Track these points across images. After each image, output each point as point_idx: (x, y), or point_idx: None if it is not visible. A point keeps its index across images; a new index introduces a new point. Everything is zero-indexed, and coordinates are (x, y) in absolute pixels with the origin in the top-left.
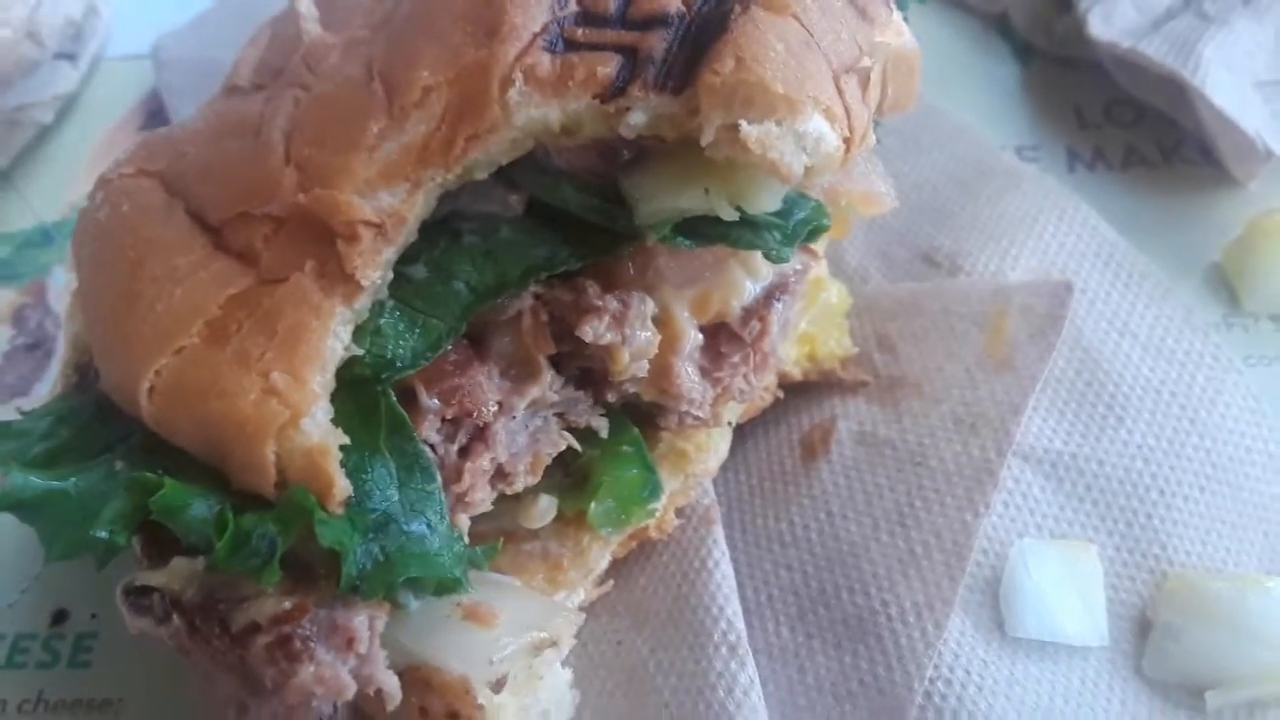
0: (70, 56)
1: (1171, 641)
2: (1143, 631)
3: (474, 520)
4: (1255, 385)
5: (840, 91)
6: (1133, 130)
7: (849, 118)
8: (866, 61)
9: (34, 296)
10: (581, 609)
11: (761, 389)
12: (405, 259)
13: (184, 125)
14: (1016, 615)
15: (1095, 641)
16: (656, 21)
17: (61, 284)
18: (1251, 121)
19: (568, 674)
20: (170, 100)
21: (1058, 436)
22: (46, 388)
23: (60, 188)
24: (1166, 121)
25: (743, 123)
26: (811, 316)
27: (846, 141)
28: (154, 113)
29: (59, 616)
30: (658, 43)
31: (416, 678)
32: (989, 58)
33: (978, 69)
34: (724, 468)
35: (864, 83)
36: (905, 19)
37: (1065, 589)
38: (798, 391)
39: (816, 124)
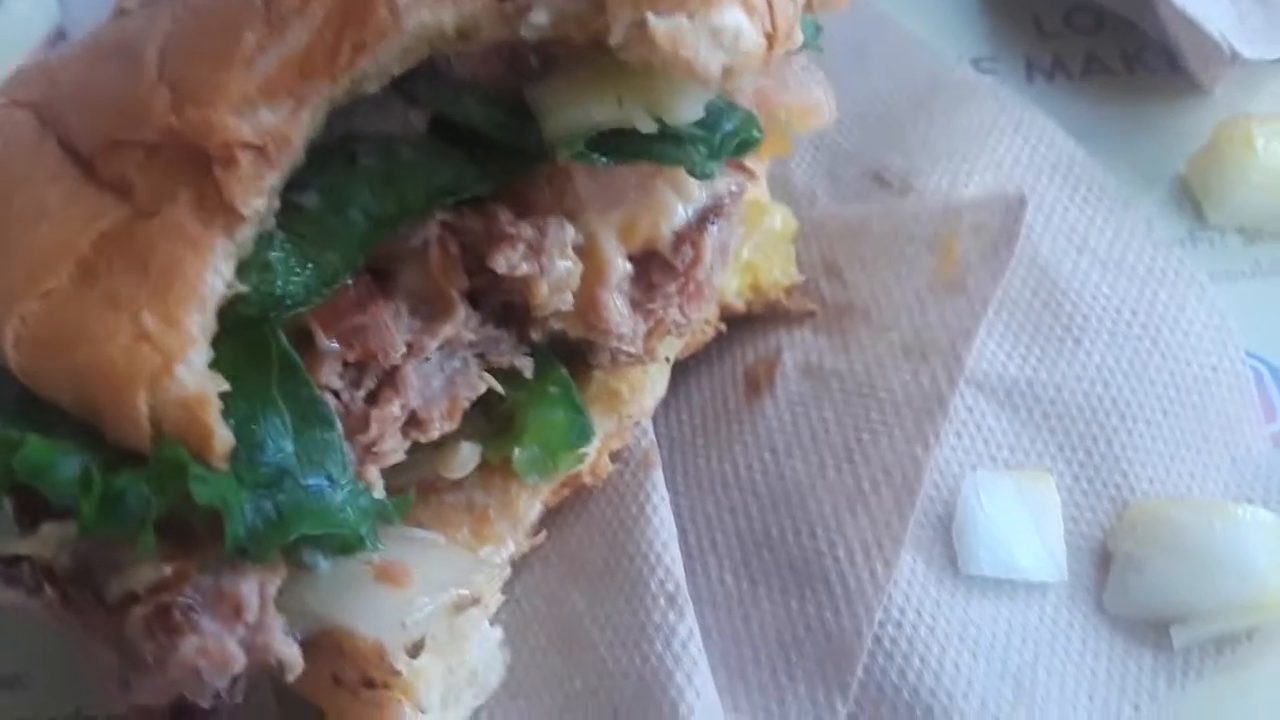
0: None
1: (1134, 574)
2: (1104, 565)
3: (389, 473)
4: (1222, 302)
5: None
6: (1093, 38)
7: (771, 11)
8: None
9: None
10: (511, 562)
11: (700, 321)
12: (294, 186)
13: (62, 52)
14: (970, 551)
15: (1053, 576)
16: None
17: None
18: (1216, 23)
19: (497, 632)
20: (75, 35)
21: (1013, 361)
22: None
23: None
24: (1129, 27)
25: (650, 17)
26: (754, 243)
27: (768, 37)
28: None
29: None
30: None
31: (329, 643)
32: None
33: None
34: (664, 407)
35: None
36: None
37: (1021, 522)
38: (741, 324)
39: (733, 16)
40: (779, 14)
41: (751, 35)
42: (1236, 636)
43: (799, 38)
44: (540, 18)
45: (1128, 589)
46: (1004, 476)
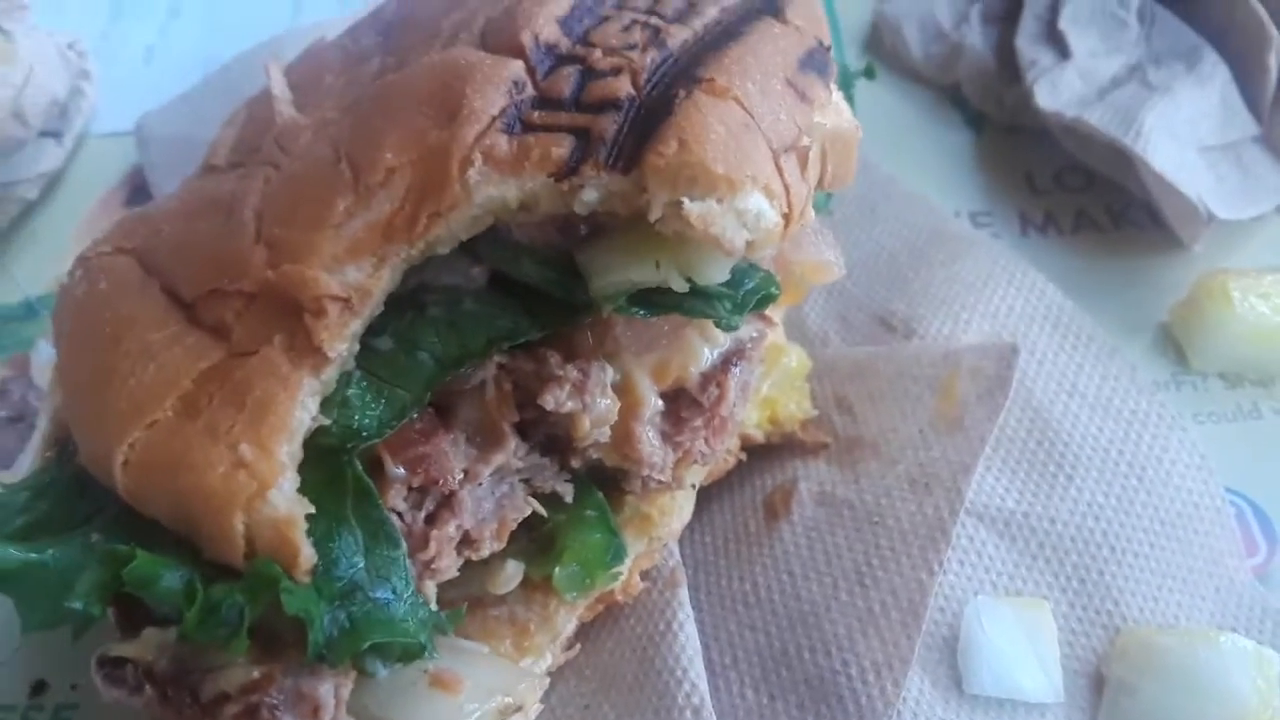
0: (55, 134)
1: (1126, 698)
2: (1097, 688)
3: (442, 587)
4: (1206, 442)
5: (779, 170)
6: (1082, 195)
7: (788, 194)
8: (805, 141)
9: (17, 369)
10: (549, 673)
11: (723, 452)
12: (372, 331)
13: (160, 204)
14: (973, 673)
15: (1051, 698)
16: (608, 105)
17: (45, 358)
18: (1194, 186)
19: None
20: (153, 177)
21: (1010, 495)
22: (28, 461)
23: (45, 263)
24: (1114, 187)
25: (685, 200)
26: (772, 380)
27: (785, 217)
28: (138, 188)
29: (38, 688)
30: (609, 125)
31: None
32: (943, 126)
33: (932, 137)
34: (690, 529)
35: (803, 161)
36: (848, 98)
37: (1020, 646)
38: (760, 453)
39: (756, 201)
40: (795, 197)
41: (771, 216)
42: None
43: (811, 215)
44: (591, 196)
45: (1120, 710)
46: (1004, 603)
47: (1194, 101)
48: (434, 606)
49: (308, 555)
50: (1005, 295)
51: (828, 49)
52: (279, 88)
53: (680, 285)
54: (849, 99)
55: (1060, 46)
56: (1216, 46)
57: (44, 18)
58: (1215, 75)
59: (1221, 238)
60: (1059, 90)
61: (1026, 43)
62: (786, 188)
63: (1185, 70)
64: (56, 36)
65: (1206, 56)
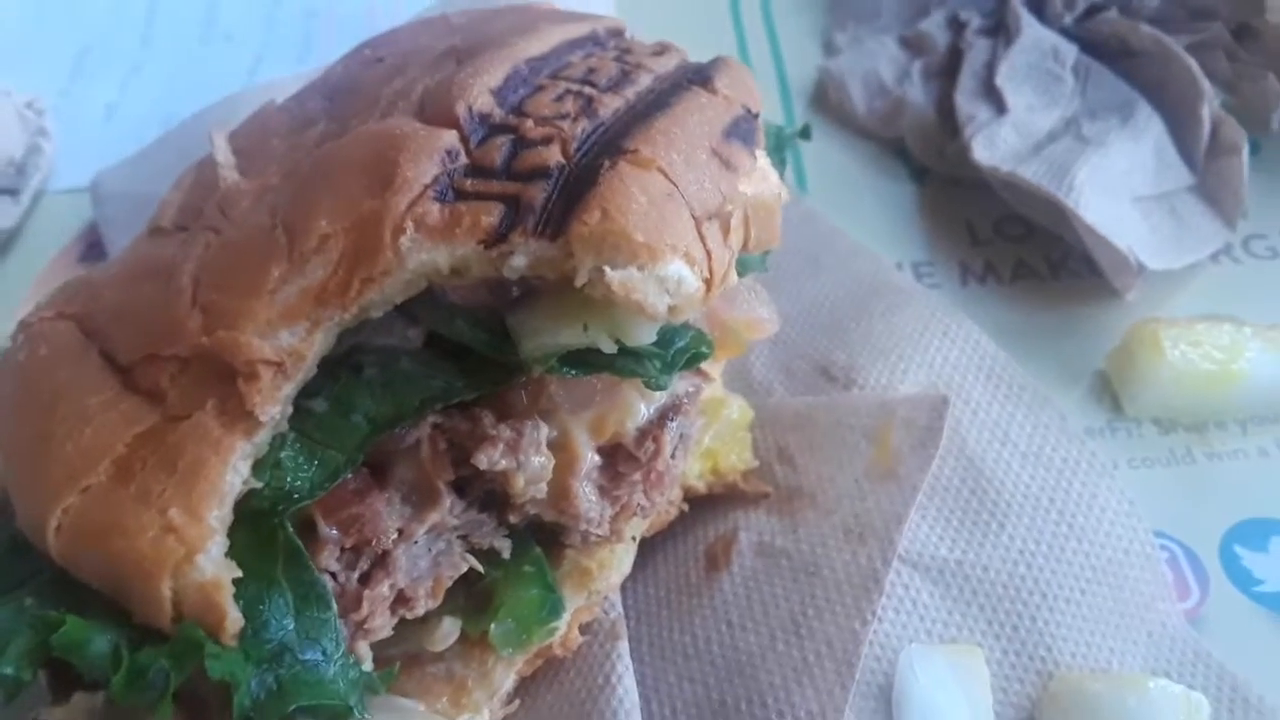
0: (12, 192)
1: None
2: None
3: (378, 645)
4: (1140, 486)
5: (701, 237)
6: (1022, 245)
7: (709, 260)
8: (728, 208)
9: None
10: None
11: (662, 505)
12: (306, 393)
13: (104, 268)
14: None
15: None
16: (538, 173)
17: None
18: (1125, 237)
19: None
20: (108, 233)
21: (943, 543)
22: None
23: (2, 319)
24: (1053, 236)
25: (607, 268)
26: (714, 431)
27: (707, 282)
28: (93, 244)
29: None
30: (538, 193)
31: None
32: (887, 178)
33: (877, 189)
34: (632, 580)
35: (725, 227)
36: (783, 160)
37: (954, 693)
38: (702, 504)
39: (676, 268)
40: (716, 263)
41: (692, 282)
42: None
43: (734, 279)
44: (519, 261)
45: None
46: (937, 650)
47: (1128, 154)
48: (369, 666)
49: (234, 619)
50: (941, 346)
51: (755, 116)
52: (223, 154)
53: (609, 347)
54: (783, 160)
55: (997, 102)
56: (1151, 100)
57: (3, 77)
58: (1149, 127)
59: (1157, 285)
60: (995, 145)
61: (965, 98)
62: (708, 254)
63: (1120, 123)
64: (14, 96)
65: (1141, 109)
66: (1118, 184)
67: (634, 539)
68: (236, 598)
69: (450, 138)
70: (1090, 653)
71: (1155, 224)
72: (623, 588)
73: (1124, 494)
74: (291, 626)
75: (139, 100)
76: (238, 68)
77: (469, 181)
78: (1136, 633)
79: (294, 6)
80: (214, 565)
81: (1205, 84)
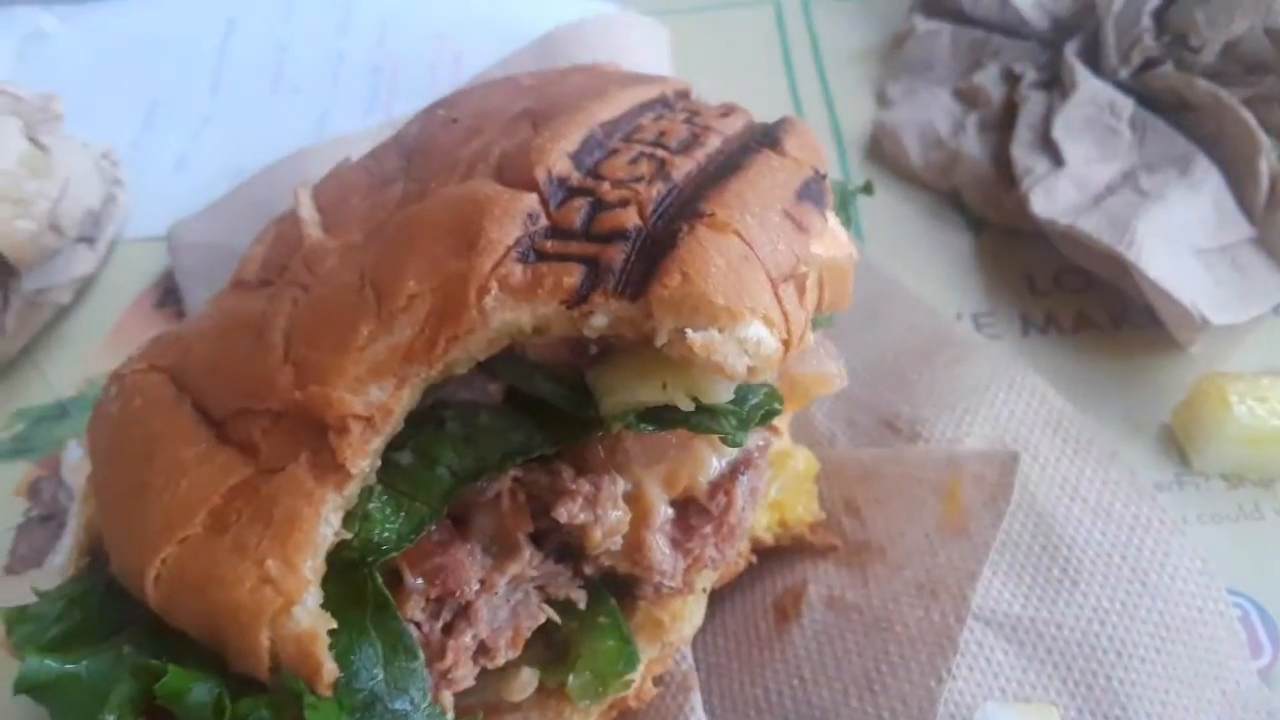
0: (89, 240)
1: None
2: None
3: (458, 695)
4: (1209, 542)
5: (778, 299)
6: (1082, 296)
7: (787, 322)
8: (803, 269)
9: (49, 469)
10: None
11: (733, 556)
12: (393, 446)
13: (192, 322)
14: None
15: None
16: (616, 235)
17: (75, 458)
18: (1188, 291)
19: None
20: (183, 282)
21: (1016, 600)
22: (59, 559)
23: (77, 365)
24: (1113, 288)
25: (689, 331)
26: (780, 483)
27: (785, 343)
28: (168, 292)
29: None
30: (617, 254)
31: None
32: (944, 229)
33: (934, 240)
34: (702, 632)
35: (800, 289)
36: (848, 216)
37: None
38: (770, 555)
39: (755, 330)
40: (793, 324)
41: (771, 343)
42: None
43: (811, 340)
44: (600, 321)
45: None
46: (1012, 709)
47: (1188, 206)
48: (450, 716)
49: (330, 669)
50: (1006, 399)
51: (824, 177)
52: (307, 210)
53: (686, 405)
54: (848, 217)
55: (1054, 154)
56: (1208, 153)
57: (78, 127)
58: (1208, 180)
59: (1221, 338)
60: (1054, 198)
61: (1021, 151)
62: (785, 316)
63: (1178, 176)
64: (91, 147)
65: (1199, 162)
66: (1178, 237)
67: (704, 590)
68: (330, 648)
69: (531, 200)
70: (1165, 712)
71: (1218, 277)
72: (693, 640)
73: (1196, 551)
74: (381, 676)
75: (209, 150)
76: (306, 120)
77: (550, 243)
78: (1211, 691)
79: (359, 61)
80: (310, 616)
81: (1262, 137)
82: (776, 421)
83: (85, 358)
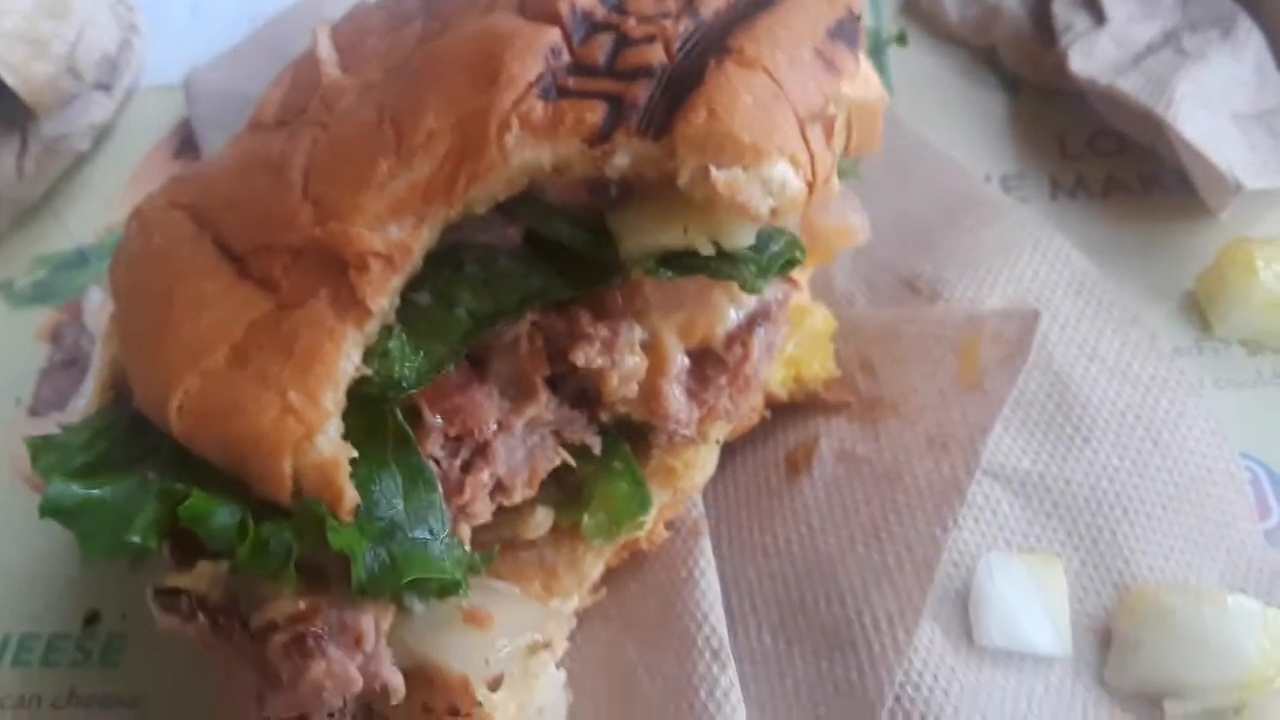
0: (106, 87)
1: (1131, 653)
2: (1105, 643)
3: (476, 530)
4: (1225, 407)
5: (805, 139)
6: (1114, 160)
7: (813, 163)
8: (832, 110)
9: (70, 315)
10: (576, 614)
11: (747, 409)
12: (411, 287)
13: (211, 161)
14: (983, 624)
15: (1059, 651)
16: (641, 72)
17: (96, 303)
18: (1224, 155)
19: (562, 675)
20: (200, 129)
21: (1026, 456)
22: (82, 402)
23: (96, 212)
24: (1146, 152)
25: (712, 168)
26: (797, 340)
27: (809, 185)
28: (186, 140)
29: (92, 618)
30: (641, 92)
31: (420, 676)
32: (978, 88)
33: (967, 99)
34: (713, 482)
35: (828, 130)
36: (881, 64)
37: (1031, 600)
38: (784, 411)
39: (781, 170)
40: (820, 165)
41: (796, 184)
42: (1224, 711)
43: (836, 183)
44: (622, 160)
45: (1126, 666)
46: (1016, 559)
47: (1228, 69)
48: (468, 548)
49: (351, 496)
50: (1030, 260)
51: (858, 18)
52: (325, 49)
53: (707, 249)
54: (882, 65)
55: (1096, 11)
56: (1252, 14)
57: None
58: (1250, 42)
59: (1250, 205)
60: (1093, 56)
61: (1063, 6)
62: (812, 157)
63: (1220, 37)
64: None
65: (1241, 24)
66: (1217, 100)
67: (718, 442)
68: (350, 477)
69: (554, 35)
70: (1168, 567)
71: (1254, 141)
72: (705, 489)
73: (1211, 413)
74: (401, 506)
75: None
76: None
77: (572, 79)
78: (1215, 550)
79: None
80: (332, 445)
81: None
82: (797, 277)
83: (104, 205)
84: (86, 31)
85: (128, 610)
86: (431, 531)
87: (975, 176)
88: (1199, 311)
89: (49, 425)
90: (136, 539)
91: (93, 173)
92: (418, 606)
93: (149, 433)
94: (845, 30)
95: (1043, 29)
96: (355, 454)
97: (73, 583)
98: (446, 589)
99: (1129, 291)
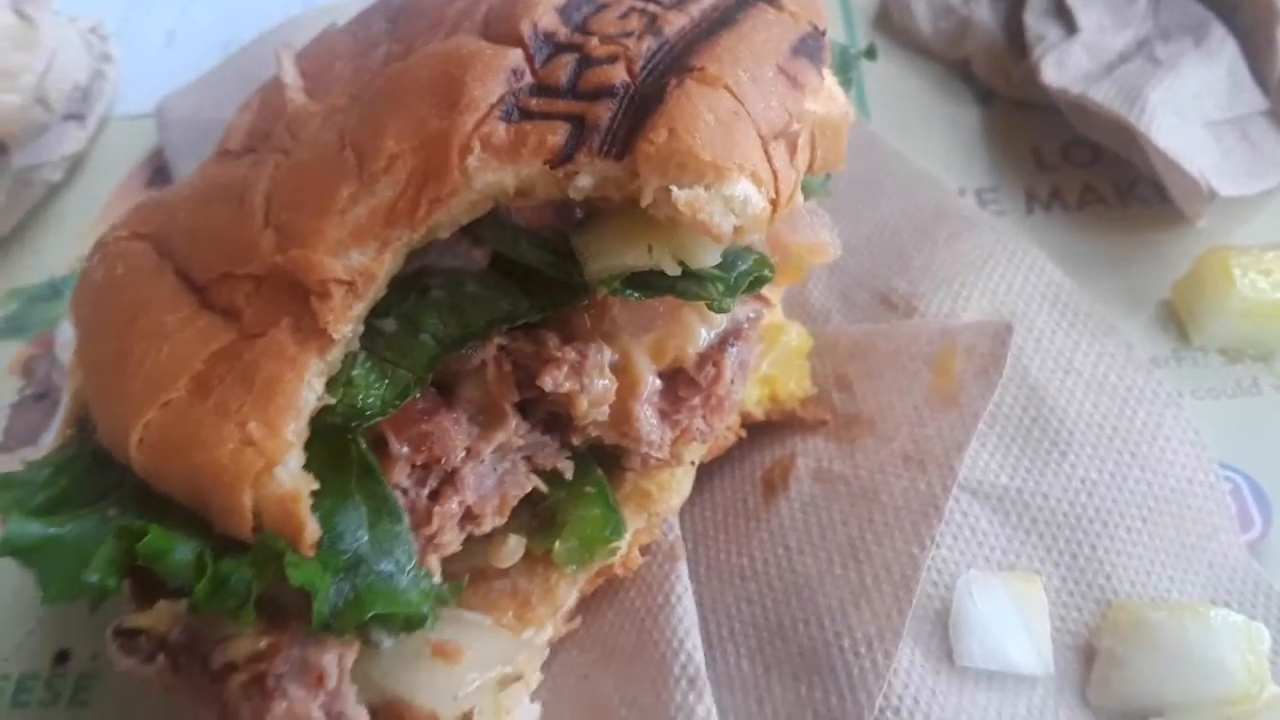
0: (78, 117)
1: (1115, 670)
2: (1087, 660)
3: (446, 560)
4: (1205, 417)
5: (768, 156)
6: (1089, 170)
7: (776, 180)
8: (795, 127)
9: (42, 348)
10: (550, 644)
11: (720, 430)
12: (376, 313)
13: (176, 189)
14: (964, 645)
15: (1041, 670)
16: (603, 92)
17: (68, 336)
18: (1197, 163)
19: (536, 708)
20: (173, 158)
21: (1004, 471)
22: (52, 437)
23: (69, 243)
24: (1121, 162)
25: (673, 188)
26: (772, 358)
27: (773, 202)
28: (159, 169)
29: (61, 657)
30: (604, 112)
31: (389, 713)
32: (952, 102)
33: (940, 113)
34: (690, 504)
35: (792, 147)
36: (848, 80)
37: (1011, 619)
38: (760, 430)
39: (743, 188)
40: (783, 183)
41: (758, 202)
42: None
43: (800, 200)
44: (585, 181)
45: (1109, 684)
46: (995, 576)
47: (1201, 76)
48: (438, 579)
49: (312, 529)
50: (1005, 273)
51: (822, 34)
52: (290, 75)
53: (672, 269)
54: (849, 80)
55: (1068, 21)
56: (1225, 21)
57: (66, 2)
58: (1223, 50)
59: (1227, 213)
60: (1065, 66)
61: (1034, 18)
62: (775, 174)
63: (1193, 45)
64: (79, 21)
65: (1214, 31)
66: (1189, 108)
67: (693, 463)
68: (314, 510)
69: (516, 56)
70: (1150, 581)
71: (1227, 149)
72: (681, 512)
73: (1189, 423)
74: (365, 539)
75: (198, 25)
76: None
77: (534, 101)
78: (1197, 563)
79: None
80: (292, 478)
81: None
82: (770, 294)
83: (77, 236)
84: (56, 61)
85: (98, 649)
86: (397, 563)
87: (949, 190)
88: (1176, 321)
89: (18, 460)
90: (95, 578)
91: (66, 204)
92: (385, 641)
93: (112, 468)
94: (808, 46)
95: (1015, 41)
96: (317, 485)
97: (43, 622)
98: (413, 623)
99: (1107, 302)
